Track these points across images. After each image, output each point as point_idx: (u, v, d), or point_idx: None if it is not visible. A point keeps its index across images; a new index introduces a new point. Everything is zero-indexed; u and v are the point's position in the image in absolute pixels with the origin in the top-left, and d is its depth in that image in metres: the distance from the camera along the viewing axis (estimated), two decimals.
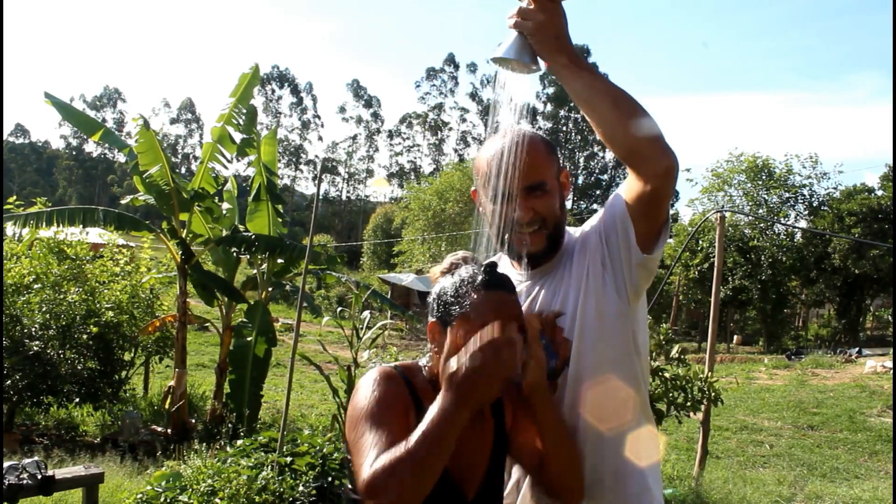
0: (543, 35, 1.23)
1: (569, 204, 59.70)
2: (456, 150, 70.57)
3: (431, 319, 1.30)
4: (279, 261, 7.69)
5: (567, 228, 1.54)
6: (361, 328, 5.77)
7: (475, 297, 1.23)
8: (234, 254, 7.64)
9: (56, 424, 7.42)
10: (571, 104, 65.20)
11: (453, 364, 1.12)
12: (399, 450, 1.09)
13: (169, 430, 7.10)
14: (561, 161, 1.53)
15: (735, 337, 26.02)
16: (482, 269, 1.27)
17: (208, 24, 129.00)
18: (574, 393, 1.45)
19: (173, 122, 74.08)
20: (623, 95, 1.28)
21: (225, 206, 7.84)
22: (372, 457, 1.11)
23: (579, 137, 65.45)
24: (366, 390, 1.23)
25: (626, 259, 1.40)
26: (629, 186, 1.38)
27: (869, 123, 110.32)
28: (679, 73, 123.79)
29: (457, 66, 70.17)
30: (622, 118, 1.27)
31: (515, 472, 1.56)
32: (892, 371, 13.32)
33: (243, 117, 7.16)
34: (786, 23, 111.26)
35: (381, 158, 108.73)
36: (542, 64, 1.28)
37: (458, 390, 1.11)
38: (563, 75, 1.27)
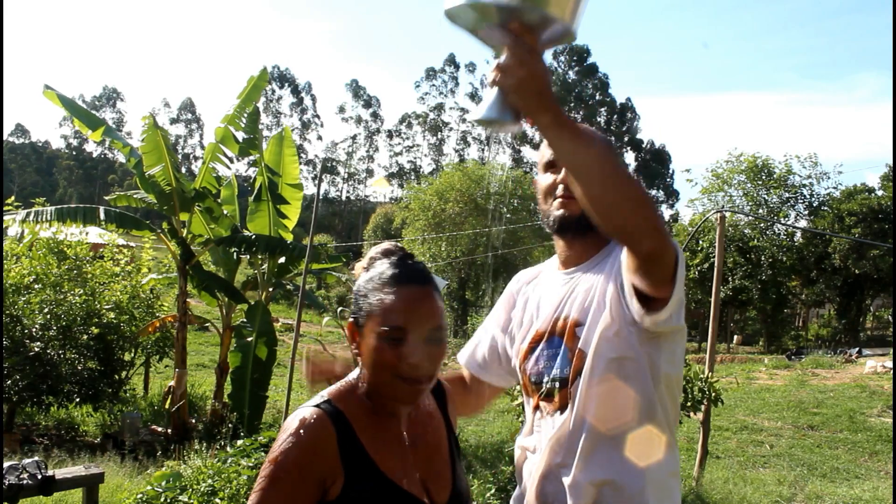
0: (524, 93, 1.14)
1: None
2: (456, 150, 70.58)
3: (350, 319, 1.21)
4: (280, 261, 7.70)
5: (615, 247, 1.52)
6: None
7: (385, 293, 1.15)
8: (235, 254, 7.64)
9: (56, 424, 7.42)
10: (571, 104, 65.28)
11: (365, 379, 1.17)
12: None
13: (169, 431, 7.10)
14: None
15: (735, 337, 26.02)
16: (393, 262, 1.19)
17: (208, 24, 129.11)
18: (582, 403, 1.45)
19: (173, 122, 74.12)
20: (610, 166, 1.19)
21: (226, 206, 7.85)
22: None
23: None
24: (283, 443, 1.12)
25: (627, 312, 1.41)
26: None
27: (869, 123, 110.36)
28: (679, 73, 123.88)
29: (457, 67, 70.19)
30: (606, 192, 1.19)
31: (521, 484, 1.56)
32: (892, 371, 13.32)
33: (246, 117, 7.17)
34: (786, 23, 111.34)
35: (381, 158, 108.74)
36: (524, 122, 1.20)
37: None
38: (547, 135, 1.19)
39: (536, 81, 1.13)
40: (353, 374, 1.25)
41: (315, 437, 1.13)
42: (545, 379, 1.52)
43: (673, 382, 1.46)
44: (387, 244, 1.27)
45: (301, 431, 1.13)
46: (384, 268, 1.19)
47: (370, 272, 1.21)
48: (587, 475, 1.42)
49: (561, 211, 1.51)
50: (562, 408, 1.49)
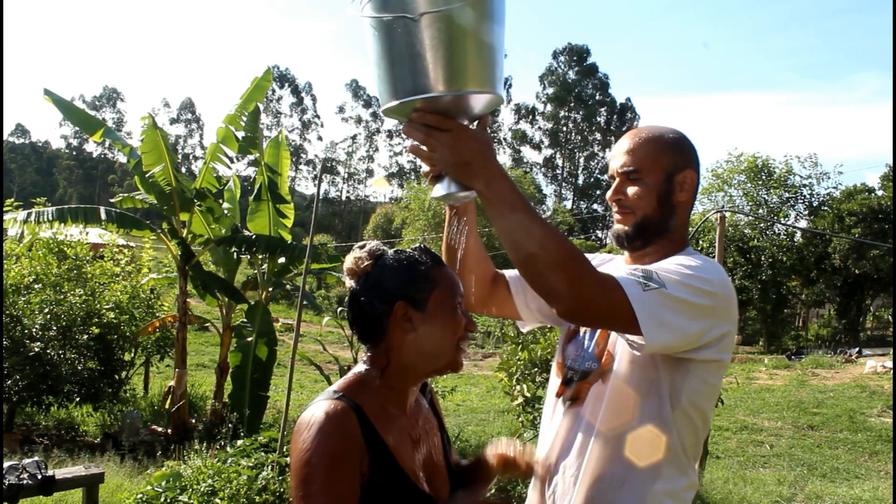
0: (451, 168, 1.21)
1: (568, 204, 58.94)
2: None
3: (400, 302, 1.22)
4: (280, 261, 7.70)
5: (688, 251, 1.49)
6: None
7: (435, 272, 1.26)
8: (235, 254, 7.64)
9: (56, 424, 7.42)
10: (571, 104, 65.28)
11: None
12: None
13: (169, 431, 7.10)
14: (685, 163, 1.49)
15: (735, 337, 26.01)
16: (423, 250, 1.30)
17: (209, 25, 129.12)
18: (592, 402, 1.45)
19: (173, 122, 74.13)
20: (525, 233, 1.19)
21: (226, 206, 7.84)
22: None
23: (579, 137, 65.48)
24: (312, 440, 1.13)
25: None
26: None
27: (869, 123, 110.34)
28: (679, 73, 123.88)
29: None
30: (520, 256, 1.20)
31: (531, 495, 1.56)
32: (892, 371, 13.32)
33: (247, 116, 7.17)
34: (786, 23, 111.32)
35: (380, 158, 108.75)
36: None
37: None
38: (482, 200, 1.23)
39: (456, 154, 1.18)
40: (360, 368, 1.28)
41: (345, 426, 1.16)
42: (575, 366, 1.54)
43: (697, 412, 1.41)
44: (371, 244, 1.31)
45: (328, 424, 1.15)
46: (416, 255, 1.27)
47: (403, 259, 1.26)
48: (582, 475, 1.42)
49: (617, 226, 1.53)
50: (574, 400, 1.50)
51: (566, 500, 1.44)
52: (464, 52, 1.14)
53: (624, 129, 66.90)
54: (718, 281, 1.35)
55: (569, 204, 63.22)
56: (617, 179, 1.51)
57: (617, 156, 1.50)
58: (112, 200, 7.61)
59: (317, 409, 1.18)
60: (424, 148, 1.21)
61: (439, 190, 1.27)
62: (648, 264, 1.41)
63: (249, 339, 6.90)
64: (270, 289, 7.99)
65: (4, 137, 71.61)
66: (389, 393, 1.25)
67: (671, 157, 1.47)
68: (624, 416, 1.40)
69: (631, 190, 1.48)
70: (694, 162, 1.50)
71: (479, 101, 1.20)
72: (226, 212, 7.64)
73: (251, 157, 7.59)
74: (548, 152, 67.36)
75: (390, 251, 1.30)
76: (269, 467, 4.08)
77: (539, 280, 1.21)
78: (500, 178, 1.20)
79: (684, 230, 1.53)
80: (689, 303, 1.29)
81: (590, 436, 1.43)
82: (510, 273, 1.70)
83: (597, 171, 66.81)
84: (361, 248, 1.30)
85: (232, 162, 7.46)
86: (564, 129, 66.06)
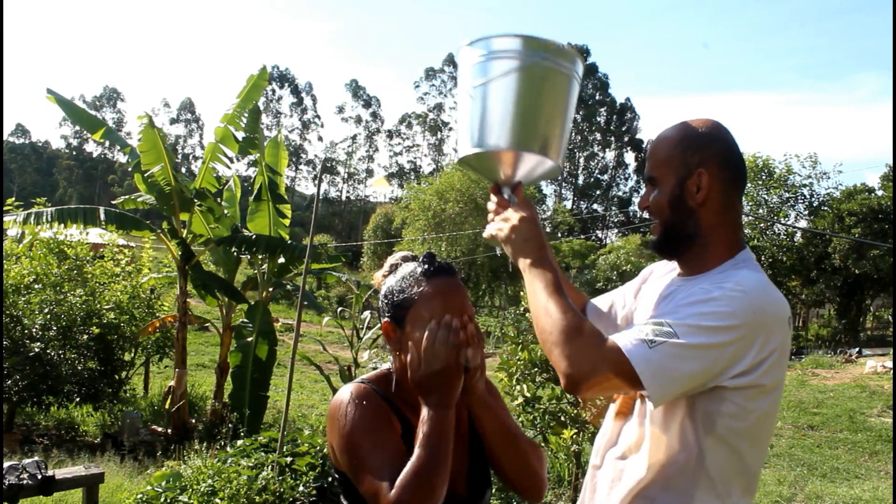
0: (509, 243, 1.40)
1: (568, 204, 58.64)
2: (456, 150, 70.30)
3: (385, 320, 1.32)
4: (280, 261, 7.70)
5: (737, 260, 1.40)
6: (362, 328, 5.77)
7: (421, 288, 1.27)
8: (235, 254, 7.64)
9: (56, 424, 7.42)
10: None
11: (417, 370, 1.20)
12: (415, 465, 1.16)
13: (169, 431, 7.10)
14: (698, 162, 1.38)
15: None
16: (422, 260, 1.32)
17: (209, 25, 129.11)
18: (639, 420, 1.43)
19: (173, 122, 74.12)
20: (548, 321, 1.30)
21: (226, 206, 7.84)
22: (387, 478, 1.16)
23: (579, 137, 65.43)
24: (348, 413, 1.25)
25: None
26: None
27: (869, 123, 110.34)
28: (679, 73, 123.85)
29: (456, 67, 69.59)
30: (542, 335, 1.32)
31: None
32: (892, 371, 13.32)
33: (246, 117, 7.17)
34: (786, 23, 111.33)
35: (380, 158, 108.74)
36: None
37: (434, 394, 1.19)
38: (523, 275, 1.39)
39: (520, 233, 1.38)
40: (387, 366, 1.38)
41: (374, 399, 1.29)
42: None
43: (736, 438, 1.33)
44: (400, 253, 1.41)
45: (356, 397, 1.27)
46: (414, 266, 1.32)
47: (399, 273, 1.32)
48: (617, 481, 1.43)
49: (649, 234, 1.56)
50: (620, 415, 1.49)
51: (603, 500, 1.46)
52: (507, 115, 1.33)
53: (624, 128, 66.99)
54: (744, 308, 1.27)
55: (569, 204, 63.20)
56: (646, 186, 1.50)
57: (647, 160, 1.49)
58: (114, 202, 7.62)
59: (342, 391, 1.30)
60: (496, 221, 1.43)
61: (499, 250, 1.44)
62: (694, 273, 1.42)
63: (249, 339, 6.90)
64: (270, 289, 7.99)
65: (4, 137, 71.66)
66: (403, 393, 1.33)
67: (681, 158, 1.39)
68: (661, 438, 1.37)
69: (650, 197, 1.45)
70: (710, 158, 1.38)
71: (538, 169, 1.38)
72: (226, 212, 7.64)
73: (251, 158, 7.58)
74: None
75: (404, 263, 1.36)
76: (269, 467, 4.08)
77: (548, 355, 1.31)
78: (541, 262, 1.36)
79: (722, 232, 1.41)
80: (706, 346, 1.25)
81: (631, 449, 1.42)
82: (591, 302, 1.74)
83: (596, 172, 66.80)
84: (393, 257, 1.40)
85: (232, 162, 7.47)
86: None
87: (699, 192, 1.38)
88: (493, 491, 4.60)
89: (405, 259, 1.38)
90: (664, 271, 1.59)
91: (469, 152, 1.37)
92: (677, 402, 1.33)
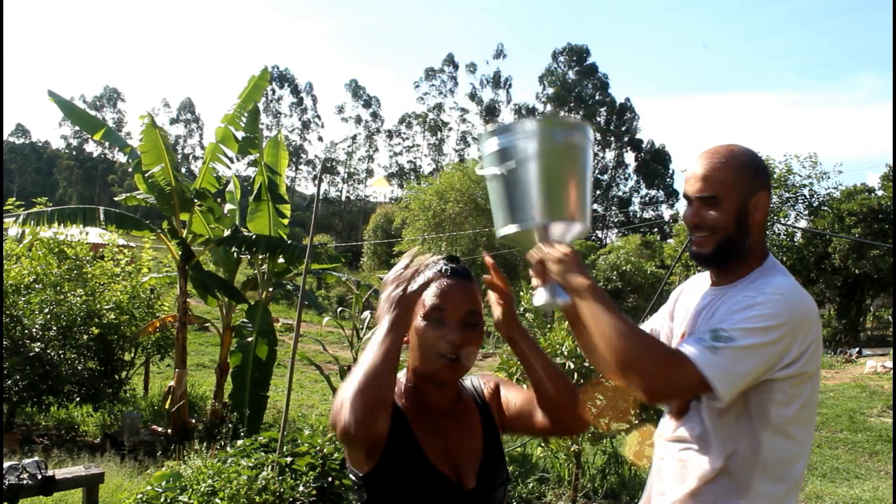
0: (564, 272, 1.47)
1: None
2: (456, 150, 70.54)
3: None
4: (280, 261, 7.70)
5: (765, 267, 1.61)
6: (362, 328, 5.77)
7: (415, 291, 1.33)
8: (235, 254, 7.64)
9: (56, 424, 7.42)
10: (571, 104, 65.31)
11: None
12: (345, 384, 1.23)
13: (169, 431, 7.10)
14: (759, 186, 1.59)
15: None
16: (436, 261, 1.41)
17: (209, 25, 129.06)
18: (697, 415, 1.60)
19: (173, 122, 74.13)
20: (612, 336, 1.43)
21: (227, 206, 7.84)
22: None
23: None
24: None
25: None
26: None
27: (869, 123, 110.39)
28: (679, 73, 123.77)
29: (456, 67, 70.18)
30: (605, 351, 1.45)
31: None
32: (892, 371, 13.32)
33: (246, 116, 7.17)
34: (786, 23, 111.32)
35: (380, 158, 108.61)
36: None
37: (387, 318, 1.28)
38: (577, 297, 1.48)
39: (568, 264, 1.46)
40: (400, 375, 1.43)
41: None
42: None
43: (787, 424, 1.52)
44: (436, 258, 1.47)
45: None
46: (433, 265, 1.41)
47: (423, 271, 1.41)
48: (683, 471, 1.58)
49: (694, 248, 1.65)
50: (678, 413, 1.64)
51: (668, 490, 1.62)
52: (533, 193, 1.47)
53: (624, 128, 67.04)
54: (785, 308, 1.47)
55: None
56: (695, 204, 1.61)
57: (692, 180, 1.60)
58: (116, 199, 7.63)
59: None
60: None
61: (544, 298, 1.51)
62: (731, 281, 1.61)
63: (249, 339, 6.90)
64: (270, 289, 7.99)
65: (4, 137, 71.67)
66: (419, 381, 1.41)
67: (746, 181, 1.57)
68: (721, 430, 1.54)
69: (708, 214, 1.58)
70: (766, 183, 1.61)
71: (559, 229, 1.50)
72: (226, 212, 7.64)
73: (251, 158, 7.58)
74: None
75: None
76: (269, 467, 4.08)
77: (619, 371, 1.45)
78: (595, 286, 1.47)
79: (760, 245, 1.63)
80: (760, 345, 1.44)
81: (693, 443, 1.57)
82: None
83: (596, 172, 66.82)
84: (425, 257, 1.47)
85: (232, 162, 7.47)
86: None
87: (757, 213, 1.59)
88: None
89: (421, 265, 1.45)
90: (693, 287, 1.79)
91: (509, 231, 1.50)
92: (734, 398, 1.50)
